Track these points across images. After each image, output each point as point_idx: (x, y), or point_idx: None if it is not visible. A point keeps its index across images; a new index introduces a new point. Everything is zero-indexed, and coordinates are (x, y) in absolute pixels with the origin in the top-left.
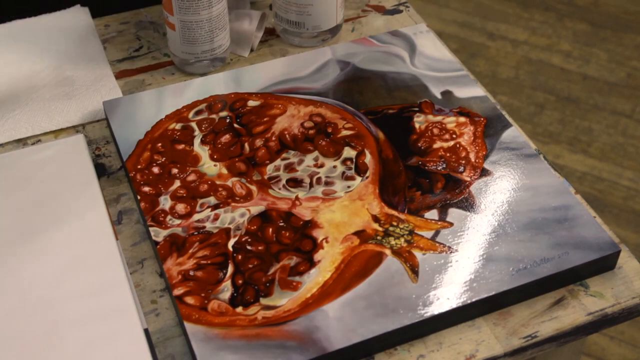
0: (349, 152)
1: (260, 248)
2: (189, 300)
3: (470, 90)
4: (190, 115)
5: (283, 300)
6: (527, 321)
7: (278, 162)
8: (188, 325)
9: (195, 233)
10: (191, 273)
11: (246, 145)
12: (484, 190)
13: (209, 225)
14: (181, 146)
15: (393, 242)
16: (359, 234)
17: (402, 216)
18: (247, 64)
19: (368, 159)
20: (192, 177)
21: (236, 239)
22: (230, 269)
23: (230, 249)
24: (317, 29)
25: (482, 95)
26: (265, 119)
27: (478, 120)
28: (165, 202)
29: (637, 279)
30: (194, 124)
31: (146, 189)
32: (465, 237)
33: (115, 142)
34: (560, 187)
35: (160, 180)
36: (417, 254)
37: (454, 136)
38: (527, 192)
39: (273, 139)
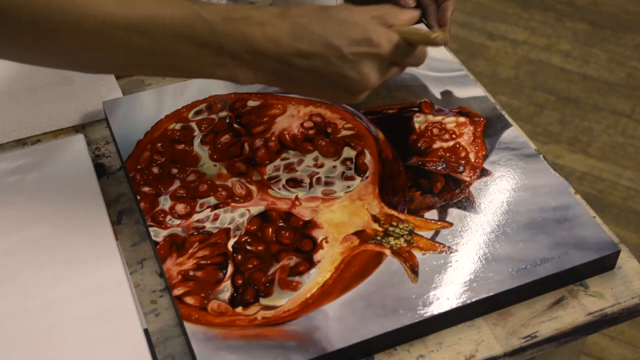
0: (348, 152)
1: (260, 248)
2: (189, 300)
3: (470, 90)
4: (190, 115)
5: (283, 301)
6: (527, 321)
7: (278, 162)
8: (188, 325)
9: (195, 233)
10: (191, 273)
11: (246, 145)
12: (483, 190)
13: (208, 226)
14: (181, 146)
15: (393, 242)
16: (358, 234)
17: (402, 216)
18: None
19: (368, 159)
20: (191, 177)
21: (236, 239)
22: (230, 269)
23: (230, 249)
24: None
25: (482, 95)
26: (265, 119)
27: (478, 120)
28: (165, 202)
29: (637, 279)
30: (193, 124)
31: (146, 189)
32: (465, 237)
33: (115, 142)
34: (560, 187)
35: (160, 180)
36: (417, 254)
37: (454, 136)
38: (527, 192)
39: (273, 139)
